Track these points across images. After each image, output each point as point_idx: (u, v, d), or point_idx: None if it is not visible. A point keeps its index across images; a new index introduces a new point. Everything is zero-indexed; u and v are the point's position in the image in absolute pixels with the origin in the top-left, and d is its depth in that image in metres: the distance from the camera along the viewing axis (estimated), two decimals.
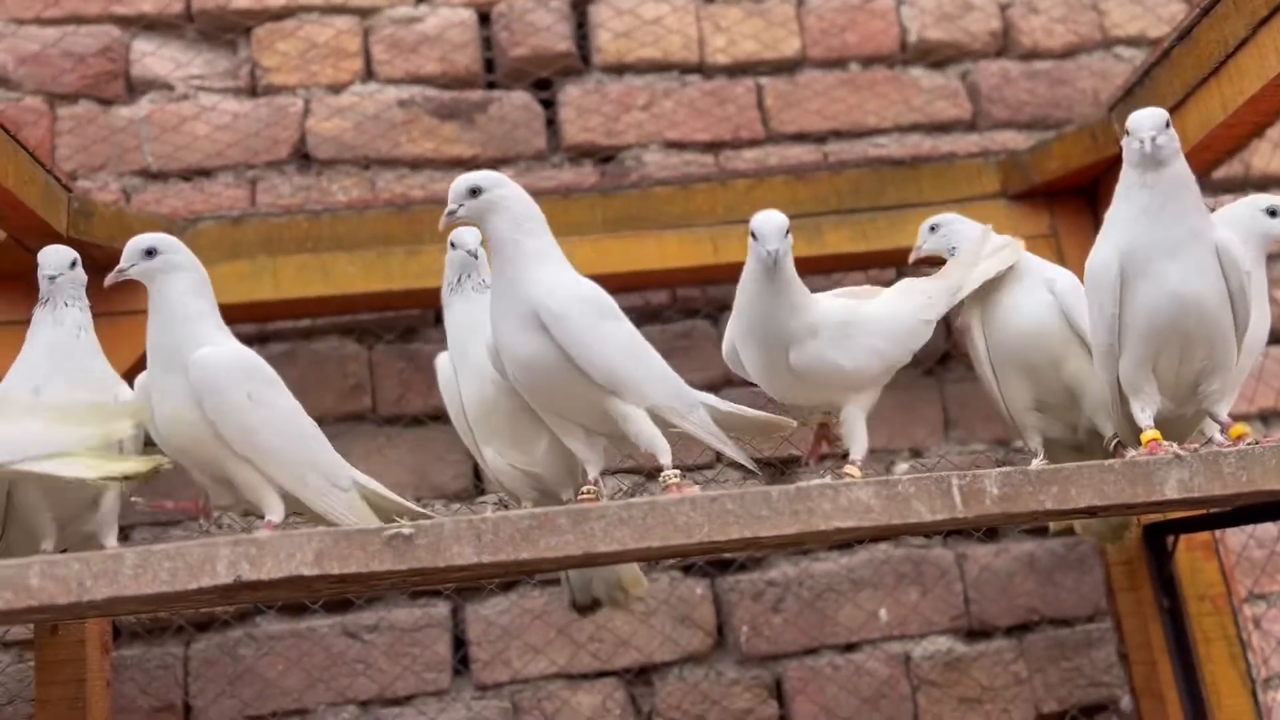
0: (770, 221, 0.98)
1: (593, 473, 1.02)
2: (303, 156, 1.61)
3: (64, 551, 1.01)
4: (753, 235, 0.99)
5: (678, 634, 1.45)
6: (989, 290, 1.10)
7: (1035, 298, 1.08)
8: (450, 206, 1.01)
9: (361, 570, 0.86)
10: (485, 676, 1.42)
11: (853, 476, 0.97)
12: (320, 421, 1.50)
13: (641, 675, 1.44)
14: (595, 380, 0.98)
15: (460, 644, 1.44)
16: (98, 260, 1.34)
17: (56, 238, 1.25)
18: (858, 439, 1.03)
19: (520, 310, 0.98)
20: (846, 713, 1.44)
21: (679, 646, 1.44)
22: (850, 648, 1.47)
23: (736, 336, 1.06)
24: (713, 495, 0.89)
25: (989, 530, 1.52)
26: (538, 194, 1.45)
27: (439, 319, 1.57)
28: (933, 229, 1.15)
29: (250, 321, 1.45)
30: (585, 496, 1.01)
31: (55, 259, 1.07)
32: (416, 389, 1.53)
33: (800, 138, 1.68)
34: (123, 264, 1.03)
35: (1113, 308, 0.97)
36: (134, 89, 1.61)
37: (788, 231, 0.99)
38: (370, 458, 1.48)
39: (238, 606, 1.40)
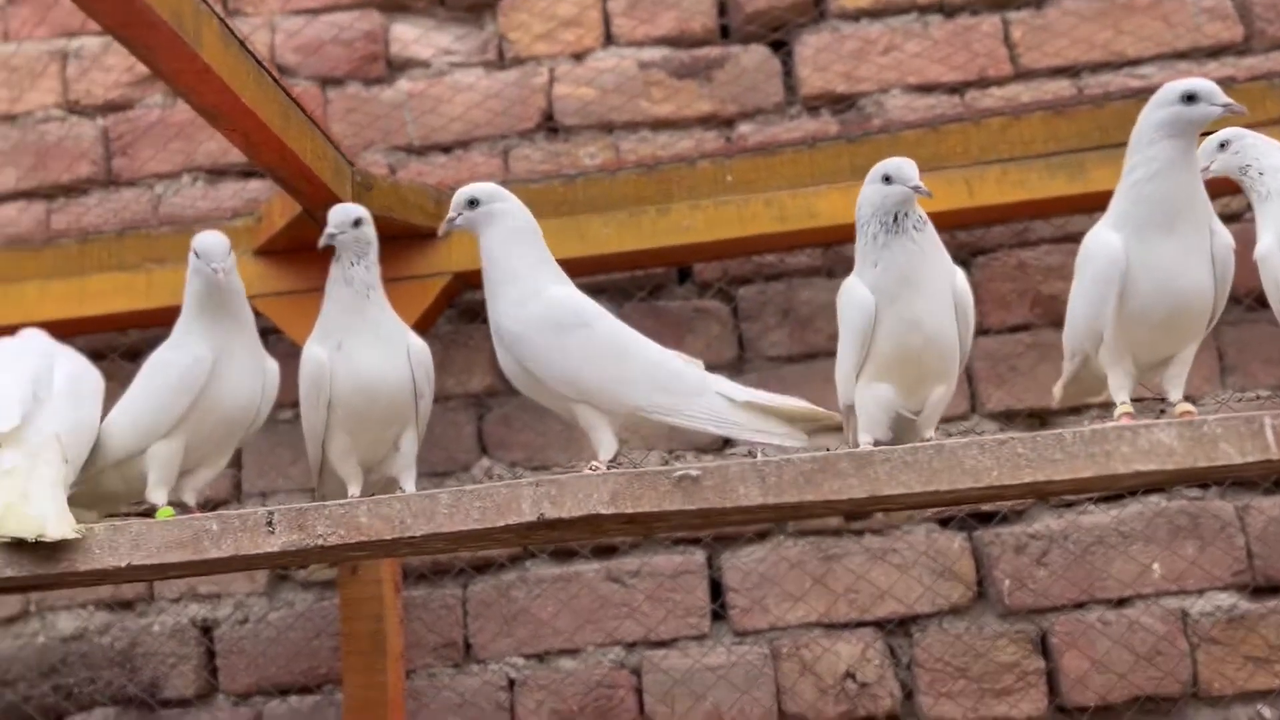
0: None
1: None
2: (550, 125, 1.67)
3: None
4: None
5: (937, 586, 1.43)
6: None
7: None
8: (450, 214, 1.09)
9: (653, 509, 0.90)
10: (744, 623, 1.45)
11: (1193, 414, 0.93)
12: None
13: (901, 626, 1.43)
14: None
15: (717, 590, 1.47)
16: (377, 230, 1.44)
17: None
18: (1182, 380, 1.00)
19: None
20: (1120, 669, 1.38)
21: (939, 598, 1.43)
22: (1122, 603, 1.41)
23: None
24: (1001, 438, 0.88)
25: (1277, 481, 1.42)
26: (781, 145, 1.49)
27: (684, 277, 1.60)
28: (1222, 145, 1.04)
29: None
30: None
31: (338, 216, 1.14)
32: (665, 345, 1.57)
33: (1053, 73, 1.60)
34: (451, 214, 1.10)
35: None
36: (394, 68, 1.72)
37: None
38: None
39: (510, 550, 1.49)
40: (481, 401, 1.57)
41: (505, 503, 0.90)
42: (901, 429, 1.03)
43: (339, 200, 1.34)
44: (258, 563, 1.00)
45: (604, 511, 0.89)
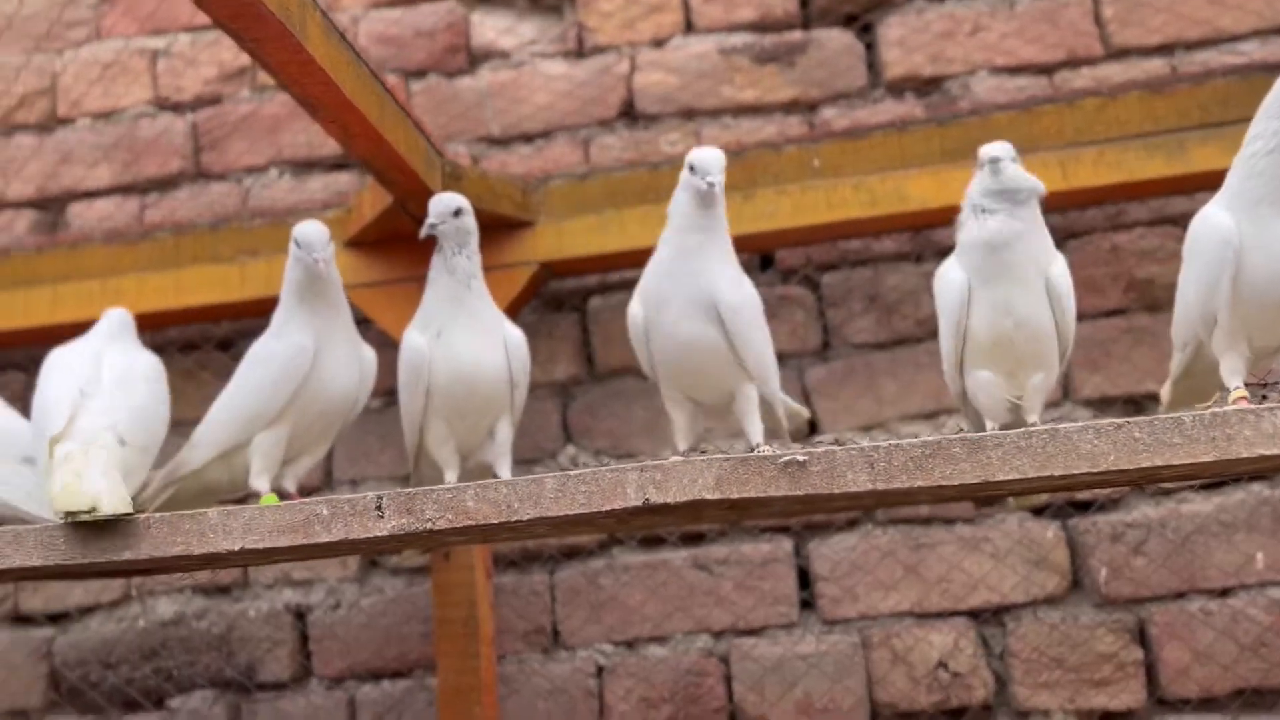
0: None
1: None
2: (631, 113, 1.67)
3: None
4: None
5: (1031, 575, 1.41)
6: None
7: None
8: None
9: (758, 495, 0.90)
10: (833, 611, 1.44)
11: None
12: None
13: (994, 616, 1.41)
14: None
15: (805, 579, 1.46)
16: None
17: None
18: None
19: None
20: (1223, 660, 1.35)
21: (1033, 587, 1.40)
22: (1224, 593, 1.38)
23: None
24: (1117, 422, 0.86)
25: None
26: (869, 130, 1.47)
27: (766, 264, 1.59)
28: None
29: (599, 271, 1.53)
30: None
31: (438, 207, 1.15)
32: None
33: (1146, 51, 1.56)
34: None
35: None
36: (475, 60, 1.73)
37: None
38: None
39: (598, 537, 1.49)
40: (566, 390, 1.58)
41: (610, 487, 0.90)
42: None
43: (430, 191, 1.35)
44: (366, 547, 1.01)
45: (709, 497, 0.89)
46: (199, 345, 1.65)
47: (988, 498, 1.39)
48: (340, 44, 1.07)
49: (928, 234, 1.50)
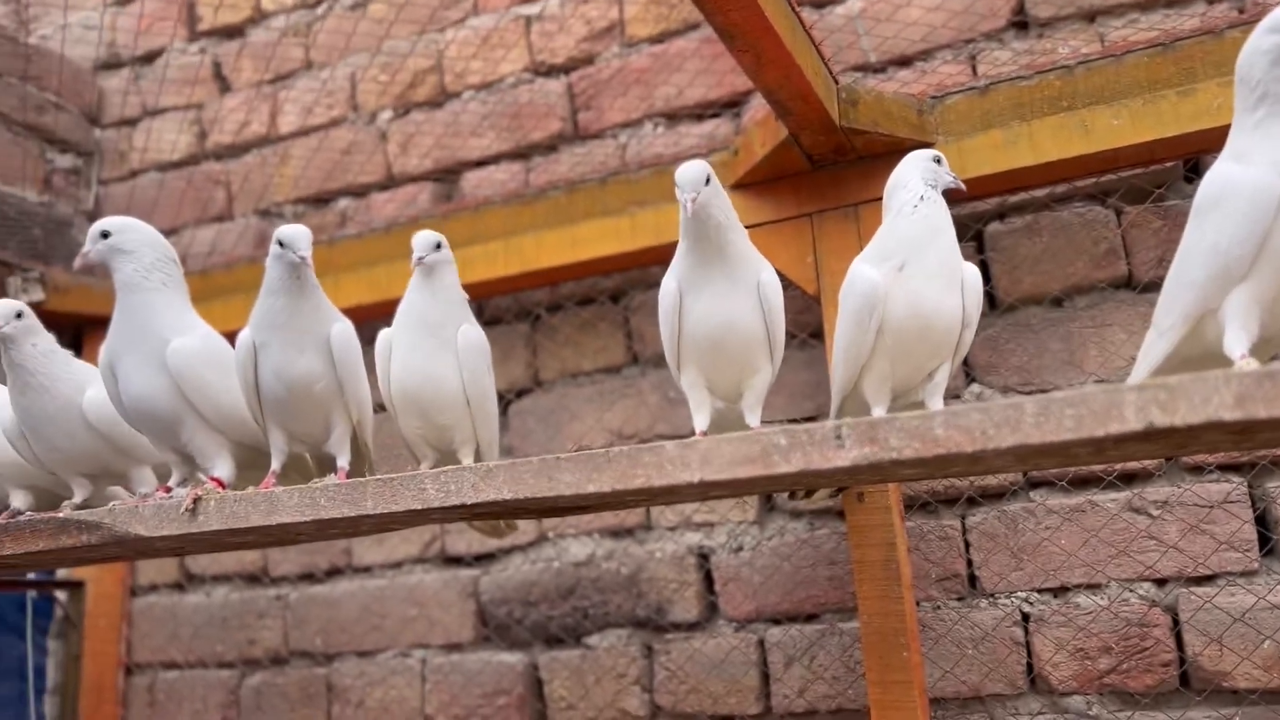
0: None
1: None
2: (1019, 21, 1.54)
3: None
4: None
5: None
6: None
7: None
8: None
9: None
10: None
11: None
12: (1074, 290, 1.44)
13: None
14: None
15: (1262, 522, 1.30)
16: (859, 148, 1.39)
17: (831, 128, 1.32)
18: None
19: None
20: None
21: None
22: None
23: None
24: None
25: None
26: None
27: (1191, 175, 1.42)
28: None
29: (1005, 192, 1.43)
30: None
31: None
32: (1169, 253, 1.40)
33: None
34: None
35: None
36: None
37: None
38: (1133, 326, 1.39)
39: (1011, 478, 1.40)
40: None
41: (1103, 409, 0.81)
42: None
43: (830, 119, 1.30)
44: (825, 479, 0.98)
45: (1226, 417, 0.78)
46: (593, 299, 1.70)
47: None
48: None
49: None
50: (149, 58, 2.26)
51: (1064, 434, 0.83)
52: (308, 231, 1.13)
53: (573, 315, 1.71)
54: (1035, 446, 0.85)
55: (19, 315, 1.23)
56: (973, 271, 1.06)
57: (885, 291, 1.01)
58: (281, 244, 1.12)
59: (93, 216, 2.21)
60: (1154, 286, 1.41)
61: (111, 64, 2.29)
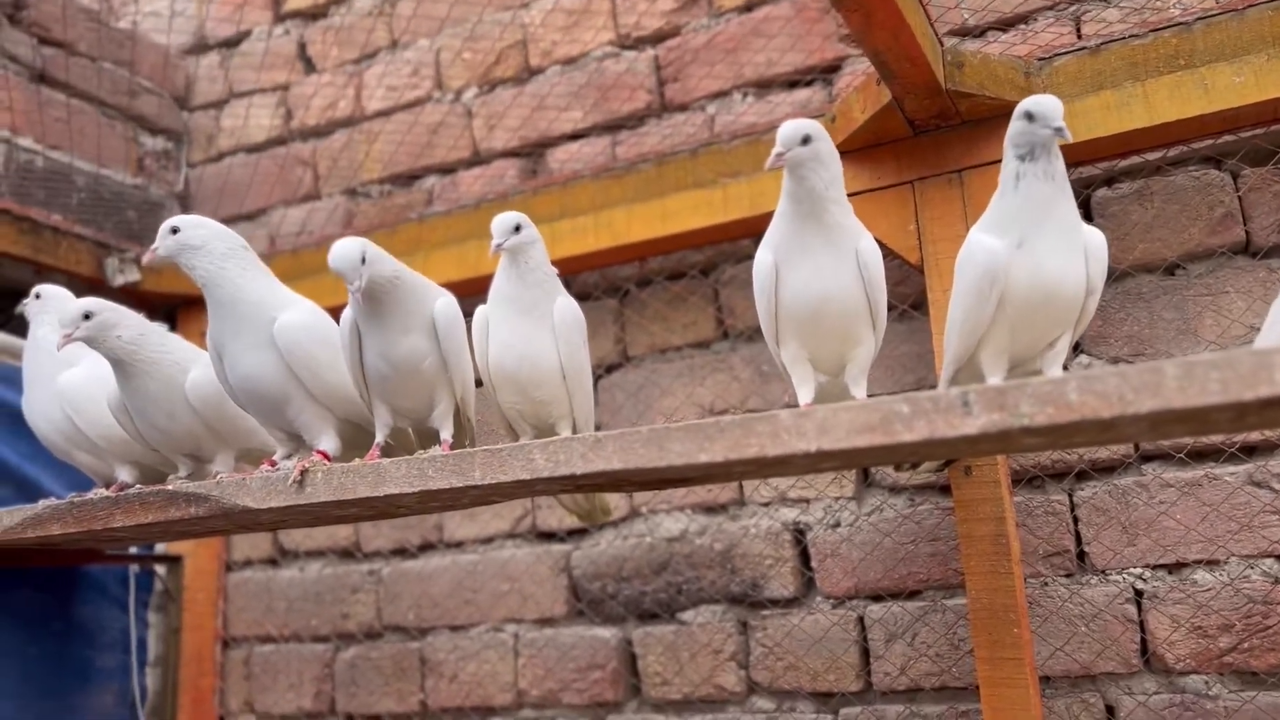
0: None
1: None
2: None
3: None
4: None
5: None
6: None
7: None
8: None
9: None
10: None
11: None
12: (1188, 257, 1.39)
13: None
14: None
15: None
16: (963, 112, 1.35)
17: (936, 91, 1.28)
18: None
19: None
20: None
21: None
22: None
23: None
24: None
25: None
26: None
27: None
28: None
29: (1112, 157, 1.38)
30: None
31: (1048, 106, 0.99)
32: None
33: None
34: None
35: None
36: None
37: None
38: (1252, 293, 1.33)
39: (1123, 451, 1.35)
40: None
41: (1252, 372, 0.77)
42: None
43: (934, 82, 1.27)
44: (947, 449, 0.95)
45: None
46: (683, 274, 1.69)
47: None
48: None
49: None
50: (235, 40, 2.29)
51: (1208, 398, 0.80)
52: None
53: (661, 290, 1.69)
54: (1176, 411, 0.81)
55: (87, 316, 1.24)
56: (1097, 237, 1.01)
57: (1006, 261, 0.98)
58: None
59: (183, 198, 2.24)
60: (1275, 252, 1.35)
61: (199, 47, 2.32)
